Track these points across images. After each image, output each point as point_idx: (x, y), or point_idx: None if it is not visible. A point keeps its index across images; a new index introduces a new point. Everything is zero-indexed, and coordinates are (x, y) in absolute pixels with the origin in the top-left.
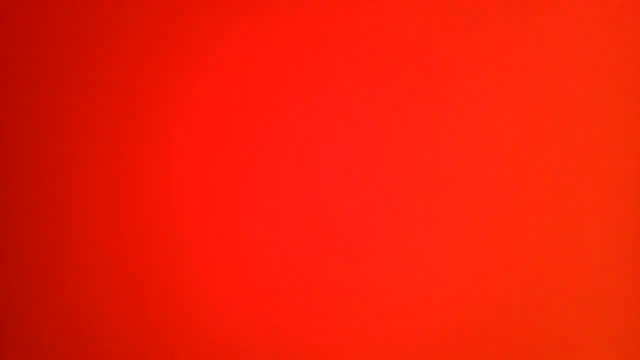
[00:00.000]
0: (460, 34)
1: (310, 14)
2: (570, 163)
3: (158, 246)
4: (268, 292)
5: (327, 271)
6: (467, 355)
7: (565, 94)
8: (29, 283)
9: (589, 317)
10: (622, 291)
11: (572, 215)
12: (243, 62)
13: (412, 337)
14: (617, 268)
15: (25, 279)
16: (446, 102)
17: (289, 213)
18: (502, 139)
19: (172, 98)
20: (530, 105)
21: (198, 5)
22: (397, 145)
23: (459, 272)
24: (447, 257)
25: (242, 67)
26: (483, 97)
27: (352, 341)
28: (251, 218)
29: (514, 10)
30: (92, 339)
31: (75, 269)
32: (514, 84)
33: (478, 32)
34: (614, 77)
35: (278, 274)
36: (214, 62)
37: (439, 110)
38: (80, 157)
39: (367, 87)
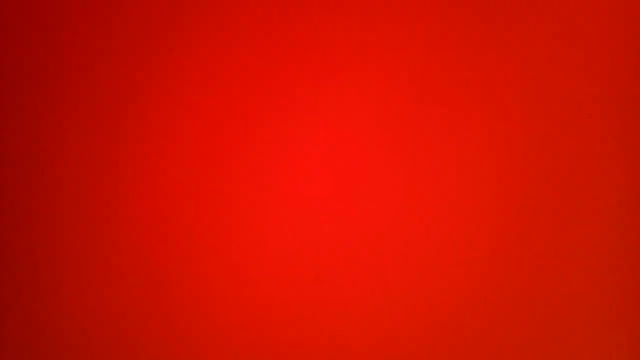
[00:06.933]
0: (458, 34)
1: (313, 14)
2: (569, 163)
3: (156, 247)
4: (268, 294)
5: (325, 272)
6: (465, 353)
7: (564, 95)
8: (25, 285)
9: (587, 317)
10: (619, 289)
11: (570, 215)
12: (242, 61)
13: (412, 338)
14: (615, 265)
15: (21, 281)
16: (445, 102)
17: (288, 213)
18: (500, 138)
19: (170, 98)
20: (529, 105)
21: (197, 5)
22: (397, 144)
23: (459, 272)
24: (448, 257)
25: (241, 66)
26: (482, 97)
27: (354, 339)
28: (250, 219)
29: (512, 11)
30: (87, 342)
31: (70, 270)
32: (513, 84)
33: (476, 32)
34: (613, 78)
35: (277, 276)
36: (213, 61)
37: (438, 109)
38: (76, 157)
39: (366, 87)
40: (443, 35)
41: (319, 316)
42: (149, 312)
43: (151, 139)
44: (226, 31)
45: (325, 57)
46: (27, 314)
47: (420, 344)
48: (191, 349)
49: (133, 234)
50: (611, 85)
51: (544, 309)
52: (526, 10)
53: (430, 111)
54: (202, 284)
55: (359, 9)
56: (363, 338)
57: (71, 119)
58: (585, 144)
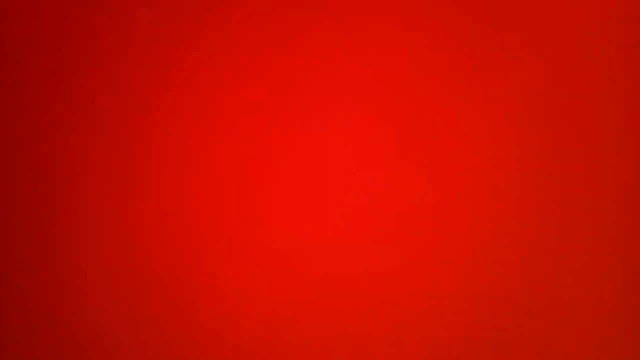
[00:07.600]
0: (458, 35)
1: (311, 14)
2: (570, 163)
3: (162, 246)
4: (271, 293)
5: (326, 272)
6: (466, 353)
7: (565, 95)
8: (24, 285)
9: (587, 317)
10: (619, 289)
11: (571, 215)
12: (243, 61)
13: (412, 338)
14: (615, 265)
15: (20, 281)
16: (445, 102)
17: (290, 213)
18: (502, 138)
19: (173, 97)
20: (529, 106)
21: (199, 4)
22: (397, 144)
23: (462, 271)
24: (449, 256)
25: (242, 67)
26: (482, 98)
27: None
28: (252, 219)
29: (512, 13)
30: (87, 342)
31: (77, 270)
32: (514, 84)
33: (477, 33)
34: (614, 78)
35: (279, 275)
36: (215, 59)
37: (439, 109)
38: (76, 156)
39: (367, 87)
40: (445, 34)
41: (319, 316)
42: (150, 312)
43: (152, 138)
44: (228, 29)
45: (326, 57)
46: (26, 313)
47: (421, 344)
48: (192, 349)
49: (135, 234)
50: (612, 85)
51: (546, 309)
52: (527, 9)
53: (431, 111)
54: (204, 285)
55: (359, 8)
56: (363, 338)
57: (70, 119)
58: (585, 144)
